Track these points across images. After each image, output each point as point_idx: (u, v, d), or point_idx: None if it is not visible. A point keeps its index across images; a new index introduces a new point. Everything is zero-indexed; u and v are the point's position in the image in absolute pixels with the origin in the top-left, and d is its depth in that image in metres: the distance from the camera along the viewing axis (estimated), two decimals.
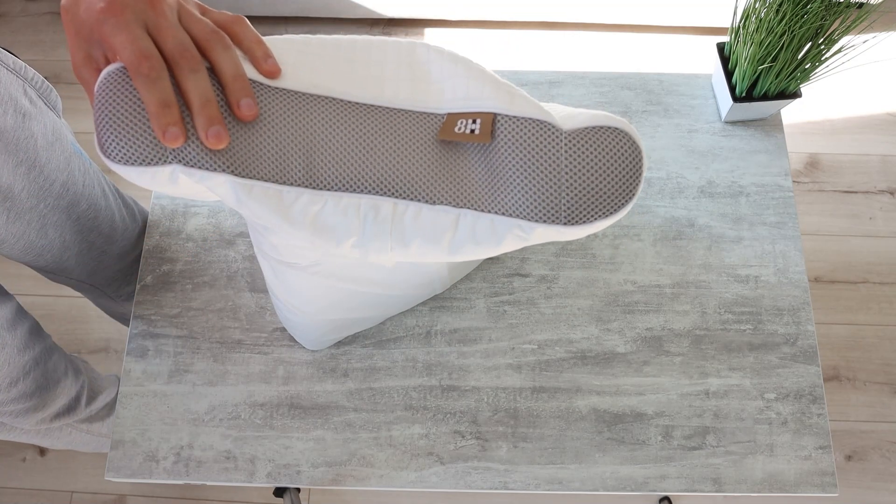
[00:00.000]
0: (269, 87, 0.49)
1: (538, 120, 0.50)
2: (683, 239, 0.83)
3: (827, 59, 0.80)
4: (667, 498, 1.32)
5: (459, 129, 0.49)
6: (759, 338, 0.79)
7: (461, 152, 0.50)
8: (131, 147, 0.45)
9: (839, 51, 0.79)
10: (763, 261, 0.82)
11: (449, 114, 0.50)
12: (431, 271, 0.70)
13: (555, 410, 0.76)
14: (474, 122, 0.50)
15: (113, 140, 0.45)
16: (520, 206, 0.49)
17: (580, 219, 0.49)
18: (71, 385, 0.97)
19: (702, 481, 0.73)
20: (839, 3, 0.74)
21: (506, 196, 0.50)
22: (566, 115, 0.52)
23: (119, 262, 0.99)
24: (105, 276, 1.00)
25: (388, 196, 0.50)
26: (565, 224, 0.49)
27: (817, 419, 0.76)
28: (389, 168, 0.49)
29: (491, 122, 0.50)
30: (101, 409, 1.09)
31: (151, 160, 0.46)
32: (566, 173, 0.49)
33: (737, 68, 0.84)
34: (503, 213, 0.50)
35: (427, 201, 0.50)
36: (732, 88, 0.85)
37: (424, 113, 0.51)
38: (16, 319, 0.82)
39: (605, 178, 0.49)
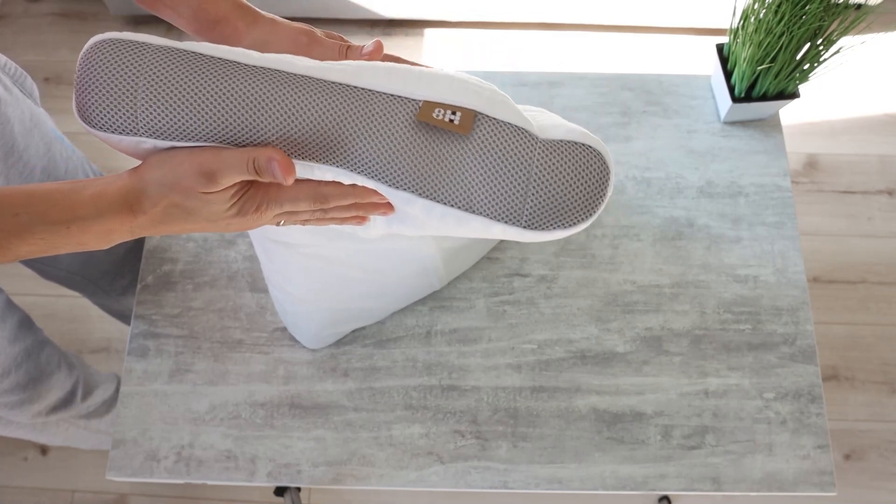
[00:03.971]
0: (249, 66, 0.49)
1: (516, 126, 0.51)
2: (683, 239, 0.84)
3: (825, 59, 0.80)
4: (666, 497, 1.33)
5: (438, 115, 0.50)
6: (758, 337, 0.79)
7: (432, 142, 0.51)
8: (108, 115, 0.48)
9: (837, 52, 0.79)
10: (762, 261, 0.83)
11: (425, 101, 0.51)
12: (423, 256, 0.70)
13: (554, 410, 0.76)
14: (454, 113, 0.50)
15: (93, 107, 0.48)
16: (484, 203, 0.50)
17: (539, 225, 0.50)
18: (65, 378, 0.97)
19: (701, 480, 0.74)
20: (837, 4, 0.75)
21: (471, 191, 0.50)
22: (548, 125, 0.53)
23: (109, 253, 0.99)
24: (97, 268, 1.00)
25: (355, 172, 0.50)
26: (524, 228, 0.50)
27: (816, 419, 0.76)
28: (357, 146, 0.49)
29: (472, 117, 0.50)
30: (100, 406, 1.09)
31: (123, 130, 0.48)
32: (535, 180, 0.50)
33: (736, 69, 0.84)
34: (466, 209, 0.51)
35: (390, 185, 0.50)
36: (731, 89, 0.85)
37: (400, 97, 0.51)
38: (5, 312, 0.82)
39: (570, 192, 0.50)
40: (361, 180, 0.50)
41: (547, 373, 0.78)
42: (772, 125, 0.89)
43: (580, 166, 0.51)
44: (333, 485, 0.74)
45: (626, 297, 0.81)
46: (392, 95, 0.51)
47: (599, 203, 0.51)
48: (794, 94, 0.84)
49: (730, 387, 0.77)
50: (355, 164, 0.50)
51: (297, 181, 0.50)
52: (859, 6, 0.79)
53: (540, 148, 0.51)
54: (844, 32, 0.77)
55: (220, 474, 0.74)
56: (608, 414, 0.76)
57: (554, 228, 0.51)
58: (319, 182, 0.51)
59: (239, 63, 0.49)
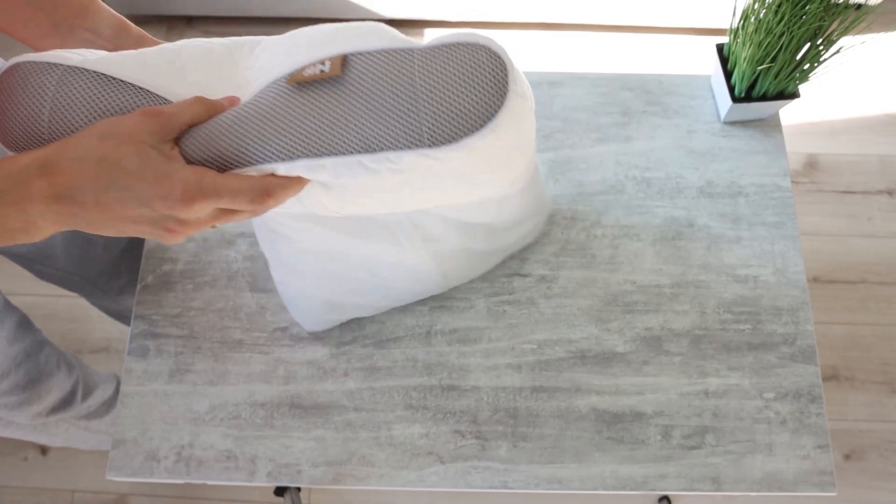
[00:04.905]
0: (145, 91, 0.50)
1: (391, 49, 0.49)
2: (683, 239, 0.84)
3: (825, 59, 0.80)
4: (666, 497, 1.32)
5: (309, 72, 0.48)
6: (758, 337, 0.79)
7: (311, 100, 0.48)
8: (21, 139, 0.49)
9: (838, 51, 0.79)
10: (762, 261, 0.83)
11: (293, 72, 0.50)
12: (415, 265, 0.70)
13: (554, 410, 0.76)
14: (323, 63, 0.48)
15: (8, 131, 0.49)
16: (381, 137, 0.48)
17: (444, 139, 0.47)
18: (64, 379, 0.97)
19: (701, 480, 0.74)
20: (837, 4, 0.75)
21: (365, 131, 0.48)
22: (431, 40, 0.50)
23: (106, 252, 0.99)
24: (93, 267, 1.00)
25: (250, 164, 0.48)
26: (431, 146, 0.47)
27: (816, 418, 0.76)
28: (245, 142, 0.48)
29: (342, 59, 0.48)
30: (99, 407, 1.09)
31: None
32: (421, 93, 0.47)
33: (736, 69, 0.84)
34: (368, 150, 0.48)
35: (286, 159, 0.48)
36: (731, 89, 0.85)
37: (270, 83, 0.50)
38: (3, 313, 0.82)
39: (463, 93, 0.47)
40: (255, 170, 0.48)
41: (547, 373, 0.78)
42: (772, 125, 0.89)
43: (467, 65, 0.47)
44: (333, 485, 0.74)
45: (626, 297, 0.81)
46: (263, 88, 0.50)
47: (500, 97, 0.47)
48: (794, 94, 0.84)
49: (730, 387, 0.77)
50: (251, 155, 0.48)
51: (236, 175, 0.47)
52: (859, 6, 0.79)
53: (418, 59, 0.48)
54: (844, 32, 0.77)
55: (220, 474, 0.74)
56: (608, 414, 0.76)
57: (462, 137, 0.47)
58: (261, 175, 0.48)
59: (139, 88, 0.50)
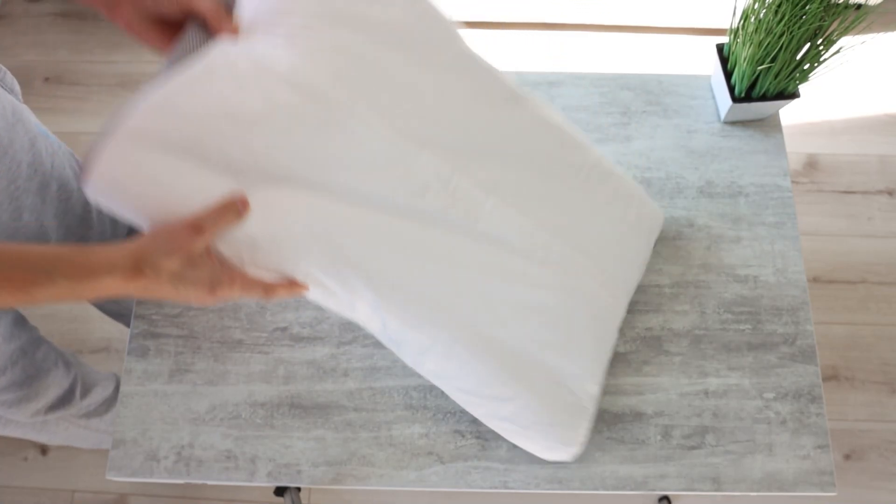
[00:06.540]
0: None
1: None
2: (683, 239, 0.84)
3: (825, 59, 0.80)
4: (666, 497, 1.32)
5: None
6: (758, 337, 0.79)
7: None
8: None
9: (838, 51, 0.79)
10: (762, 261, 0.83)
11: None
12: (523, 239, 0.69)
13: None
14: None
15: None
16: None
17: None
18: (62, 376, 0.97)
19: (701, 480, 0.74)
20: (837, 4, 0.75)
21: None
22: None
23: None
24: None
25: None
26: None
27: (816, 419, 0.76)
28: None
29: None
30: (99, 406, 1.09)
31: None
32: None
33: (736, 69, 0.84)
34: None
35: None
36: (731, 89, 0.85)
37: None
38: None
39: None
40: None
41: None
42: (772, 125, 0.89)
43: None
44: (333, 485, 0.74)
45: None
46: None
47: None
48: (794, 94, 0.84)
49: (730, 387, 0.77)
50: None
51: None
52: (859, 6, 0.79)
53: None
54: (844, 32, 0.77)
55: (220, 474, 0.74)
56: (608, 414, 0.76)
57: None
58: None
59: None
